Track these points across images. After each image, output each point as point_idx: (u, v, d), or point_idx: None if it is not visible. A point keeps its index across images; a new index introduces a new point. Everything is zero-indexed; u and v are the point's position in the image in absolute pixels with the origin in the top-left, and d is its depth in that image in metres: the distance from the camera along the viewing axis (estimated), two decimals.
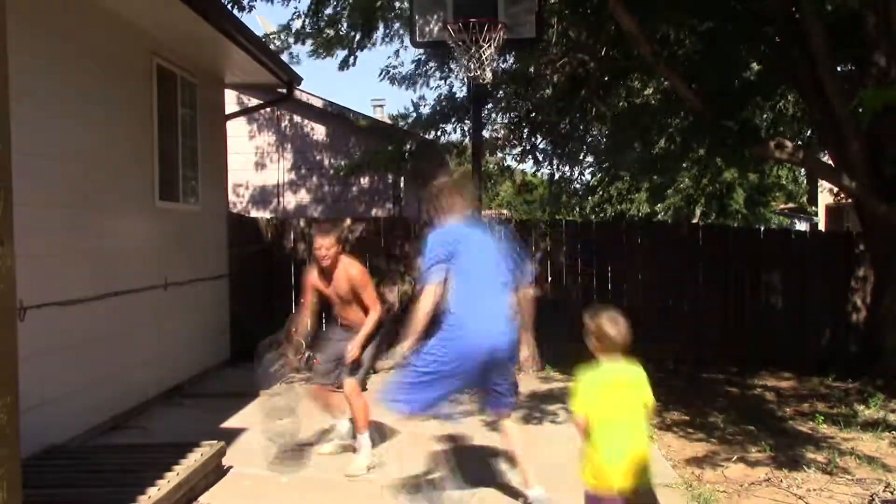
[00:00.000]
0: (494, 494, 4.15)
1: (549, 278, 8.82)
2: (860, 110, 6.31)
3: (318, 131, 12.75)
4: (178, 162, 6.66)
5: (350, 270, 4.77)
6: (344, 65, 9.83)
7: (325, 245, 4.64)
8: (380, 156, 10.72)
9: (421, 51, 10.25)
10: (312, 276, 4.89)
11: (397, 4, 9.49)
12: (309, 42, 9.84)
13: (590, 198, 13.48)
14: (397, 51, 10.48)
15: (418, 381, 3.74)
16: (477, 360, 3.68)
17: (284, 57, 9.80)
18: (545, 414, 6.03)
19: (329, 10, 9.72)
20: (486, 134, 11.08)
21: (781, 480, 4.33)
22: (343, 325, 5.00)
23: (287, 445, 4.74)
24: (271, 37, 10.50)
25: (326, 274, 4.78)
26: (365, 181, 12.38)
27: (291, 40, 10.19)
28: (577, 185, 13.48)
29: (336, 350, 4.89)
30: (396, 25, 10.18)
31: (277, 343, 7.00)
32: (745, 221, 20.35)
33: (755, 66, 8.62)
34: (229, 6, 8.70)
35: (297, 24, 10.01)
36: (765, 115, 10.01)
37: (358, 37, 9.67)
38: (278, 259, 9.05)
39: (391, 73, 10.60)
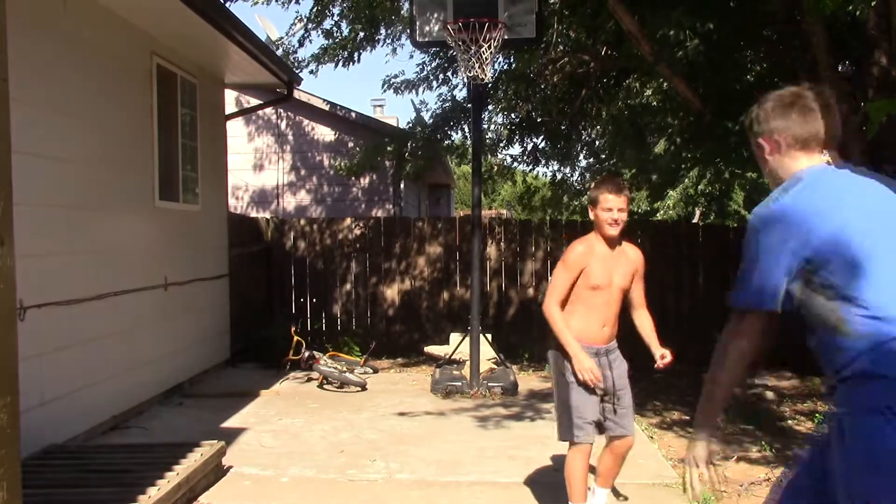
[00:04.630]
0: None
1: (550, 277, 8.82)
2: (862, 122, 6.31)
3: (318, 132, 12.75)
4: (178, 162, 6.66)
5: (632, 252, 3.56)
6: (348, 61, 9.83)
7: (619, 205, 3.35)
8: (379, 150, 10.71)
9: (424, 54, 10.24)
10: (580, 258, 3.40)
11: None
12: (311, 44, 9.87)
13: (588, 195, 13.53)
14: (394, 49, 10.53)
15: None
16: None
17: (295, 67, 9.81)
18: (539, 411, 6.03)
19: (331, 16, 9.73)
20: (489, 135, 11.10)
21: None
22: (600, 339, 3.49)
23: None
24: (276, 42, 10.51)
25: (603, 255, 3.42)
26: (365, 181, 12.38)
27: (298, 47, 10.22)
28: (577, 185, 13.48)
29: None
30: (398, 27, 10.17)
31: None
32: (743, 222, 20.31)
33: (755, 66, 8.62)
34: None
35: (298, 27, 10.03)
36: None
37: (360, 36, 9.67)
38: (278, 259, 9.07)
39: (393, 84, 10.60)
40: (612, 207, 3.35)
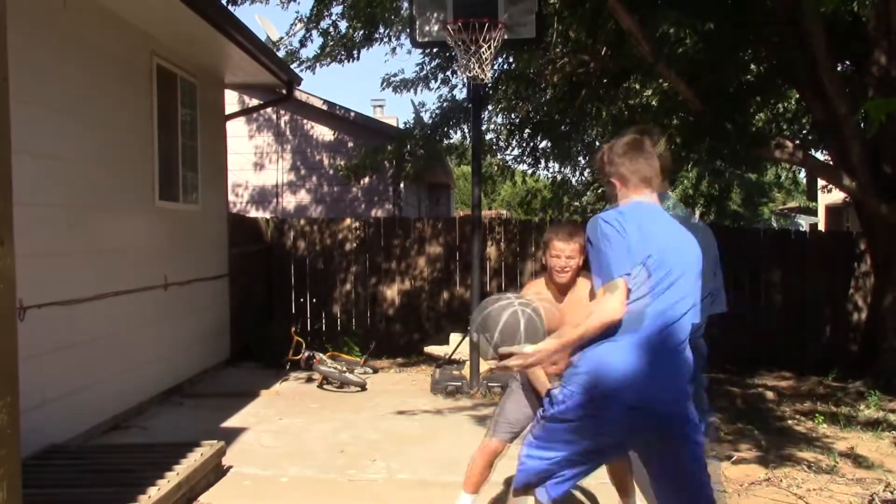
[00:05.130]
0: None
1: None
2: (862, 120, 6.32)
3: (318, 131, 12.75)
4: (178, 162, 6.66)
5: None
6: (347, 58, 9.86)
7: (567, 252, 3.30)
8: (380, 155, 10.73)
9: (423, 56, 10.24)
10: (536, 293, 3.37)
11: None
12: (312, 44, 9.90)
13: (587, 195, 13.48)
14: (394, 49, 10.47)
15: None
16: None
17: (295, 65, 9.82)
18: None
19: (330, 16, 9.74)
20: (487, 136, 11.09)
21: (781, 480, 4.33)
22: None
23: None
24: (277, 43, 10.53)
25: (550, 300, 3.39)
26: (365, 181, 12.39)
27: (299, 48, 10.25)
28: (577, 186, 13.45)
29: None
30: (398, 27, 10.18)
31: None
32: (740, 221, 20.31)
33: (755, 66, 8.62)
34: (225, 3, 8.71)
35: (298, 28, 10.04)
36: (762, 115, 10.01)
37: (360, 34, 9.69)
38: (278, 259, 9.07)
39: (392, 83, 10.60)
40: (559, 254, 3.31)
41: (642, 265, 2.44)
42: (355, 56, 9.85)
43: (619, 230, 2.46)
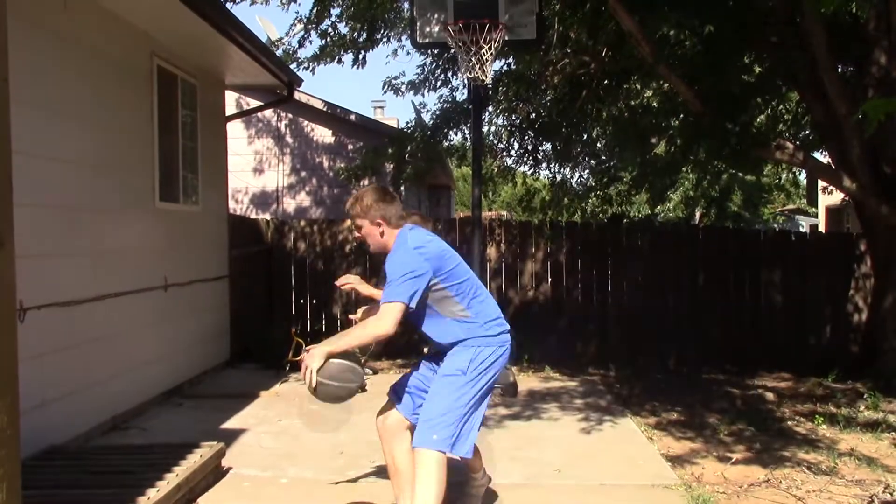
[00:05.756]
0: None
1: (550, 279, 8.83)
2: (861, 117, 6.32)
3: (318, 133, 12.75)
4: (179, 163, 6.66)
5: None
6: (355, 63, 9.90)
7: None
8: (380, 154, 10.73)
9: (425, 56, 10.24)
10: None
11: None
12: (311, 45, 9.89)
13: (589, 199, 13.45)
14: (395, 50, 10.52)
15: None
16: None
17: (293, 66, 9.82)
18: (539, 412, 6.04)
19: (331, 17, 9.75)
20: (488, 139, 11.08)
21: (781, 481, 4.33)
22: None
23: None
24: (276, 43, 10.53)
25: None
26: (364, 183, 12.37)
27: (297, 48, 10.25)
28: (578, 187, 13.43)
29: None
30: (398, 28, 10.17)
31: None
32: (741, 222, 20.27)
33: (756, 67, 8.62)
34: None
35: (298, 28, 10.04)
36: (763, 116, 10.01)
37: (363, 37, 9.70)
38: (279, 260, 9.07)
39: (393, 85, 10.60)
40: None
41: (443, 276, 3.17)
42: (361, 60, 9.85)
43: (413, 262, 3.10)
